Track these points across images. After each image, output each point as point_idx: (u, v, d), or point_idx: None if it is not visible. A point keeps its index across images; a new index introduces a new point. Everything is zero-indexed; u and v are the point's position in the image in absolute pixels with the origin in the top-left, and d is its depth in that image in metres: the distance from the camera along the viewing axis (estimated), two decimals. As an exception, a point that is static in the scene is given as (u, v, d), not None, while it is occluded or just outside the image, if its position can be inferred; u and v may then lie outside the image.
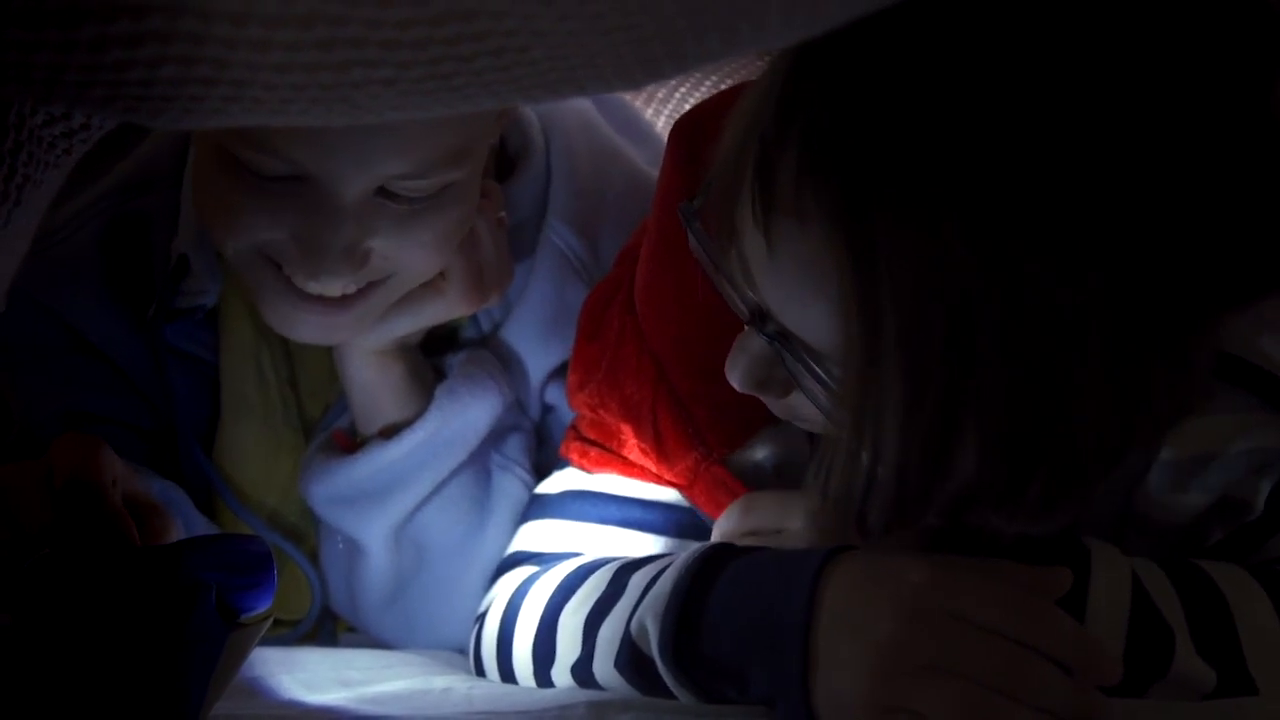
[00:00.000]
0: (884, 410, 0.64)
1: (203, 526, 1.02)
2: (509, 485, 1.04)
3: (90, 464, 0.70)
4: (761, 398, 0.77)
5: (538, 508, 1.00)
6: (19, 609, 0.65)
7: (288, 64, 0.47)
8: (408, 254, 0.92)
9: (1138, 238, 0.61)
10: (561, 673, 0.86)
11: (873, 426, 0.65)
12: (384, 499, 1.01)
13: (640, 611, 0.80)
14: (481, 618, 0.96)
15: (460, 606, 1.02)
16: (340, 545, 1.05)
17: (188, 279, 1.01)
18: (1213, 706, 0.71)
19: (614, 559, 0.88)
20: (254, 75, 0.48)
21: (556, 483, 0.99)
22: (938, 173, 0.60)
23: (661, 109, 1.15)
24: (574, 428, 0.98)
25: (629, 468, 0.94)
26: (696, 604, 0.77)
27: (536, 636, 0.88)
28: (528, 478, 1.04)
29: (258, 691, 0.86)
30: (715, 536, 0.87)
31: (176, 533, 0.75)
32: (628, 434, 0.93)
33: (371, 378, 1.01)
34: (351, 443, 1.03)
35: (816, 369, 0.69)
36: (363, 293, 0.93)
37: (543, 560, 0.96)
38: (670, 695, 0.79)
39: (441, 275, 0.97)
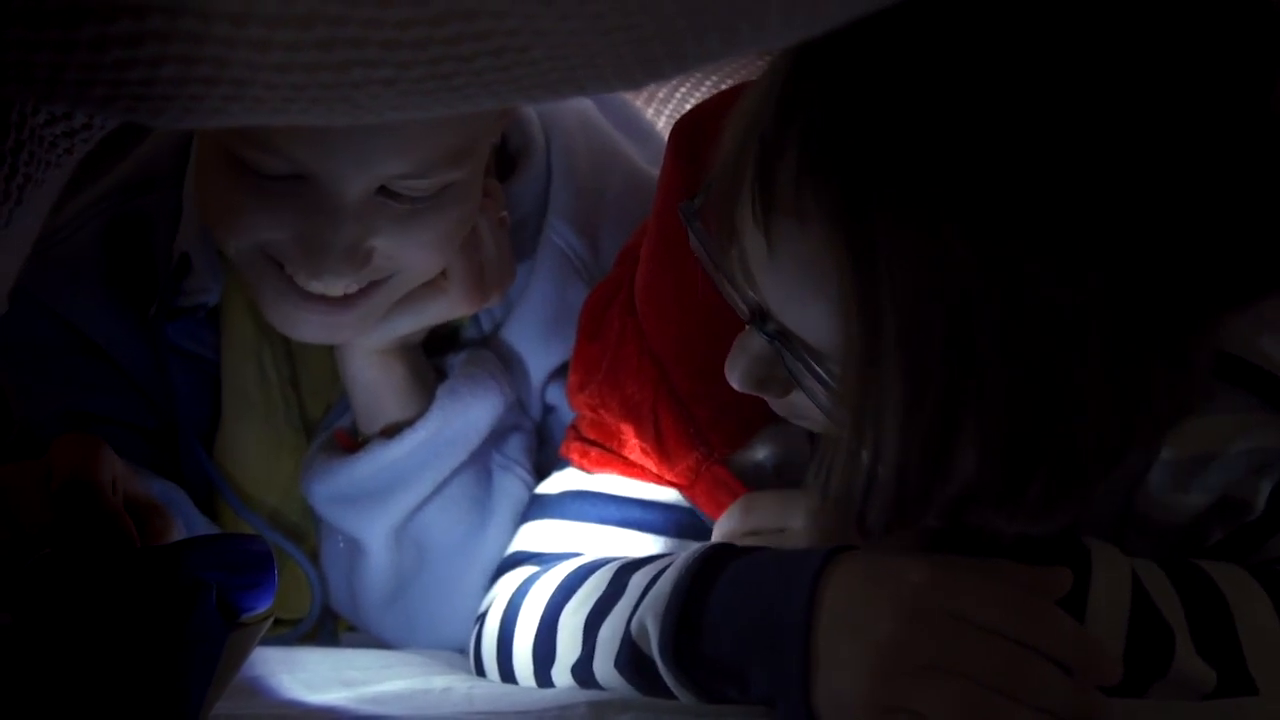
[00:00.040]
0: (884, 410, 0.64)
1: (203, 526, 1.02)
2: (510, 485, 1.04)
3: (89, 464, 0.70)
4: (762, 396, 0.77)
5: (538, 508, 1.00)
6: (20, 608, 0.65)
7: (288, 64, 0.47)
8: (409, 253, 0.92)
9: (1138, 238, 0.61)
10: (562, 673, 0.86)
11: (873, 426, 0.65)
12: (385, 498, 1.01)
13: (640, 611, 0.80)
14: (482, 618, 0.96)
15: (461, 606, 1.02)
16: (341, 545, 1.05)
17: (189, 278, 1.01)
18: (1213, 706, 0.71)
19: (614, 559, 0.89)
20: (254, 75, 0.48)
21: (557, 483, 0.99)
22: (938, 173, 0.60)
23: (662, 108, 1.15)
24: (574, 428, 0.98)
25: (629, 468, 0.94)
26: (697, 604, 0.77)
27: (537, 636, 0.88)
28: (528, 478, 1.04)
29: (258, 691, 0.86)
30: (716, 536, 0.87)
31: (177, 533, 0.75)
32: (628, 434, 0.93)
33: (373, 377, 1.01)
34: (353, 442, 1.03)
35: (816, 368, 0.69)
36: (364, 292, 0.93)
37: (543, 560, 0.96)
38: (670, 695, 0.79)
39: (443, 275, 0.97)
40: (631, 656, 0.80)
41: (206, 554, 0.68)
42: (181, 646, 0.66)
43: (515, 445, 1.05)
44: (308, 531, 1.07)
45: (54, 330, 1.03)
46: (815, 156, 0.63)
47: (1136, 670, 0.71)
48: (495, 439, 1.04)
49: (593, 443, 0.95)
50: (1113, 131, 0.60)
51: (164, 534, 0.73)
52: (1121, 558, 0.74)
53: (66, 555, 0.67)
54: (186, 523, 0.99)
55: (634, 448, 0.93)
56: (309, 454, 1.03)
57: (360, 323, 0.96)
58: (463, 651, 1.00)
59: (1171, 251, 0.62)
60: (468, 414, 1.01)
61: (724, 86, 1.05)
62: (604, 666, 0.82)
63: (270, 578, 0.69)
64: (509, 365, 1.05)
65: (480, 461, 1.03)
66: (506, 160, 1.07)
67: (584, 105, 1.11)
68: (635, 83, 0.53)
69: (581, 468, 0.96)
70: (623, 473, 0.94)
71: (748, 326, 0.74)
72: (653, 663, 0.78)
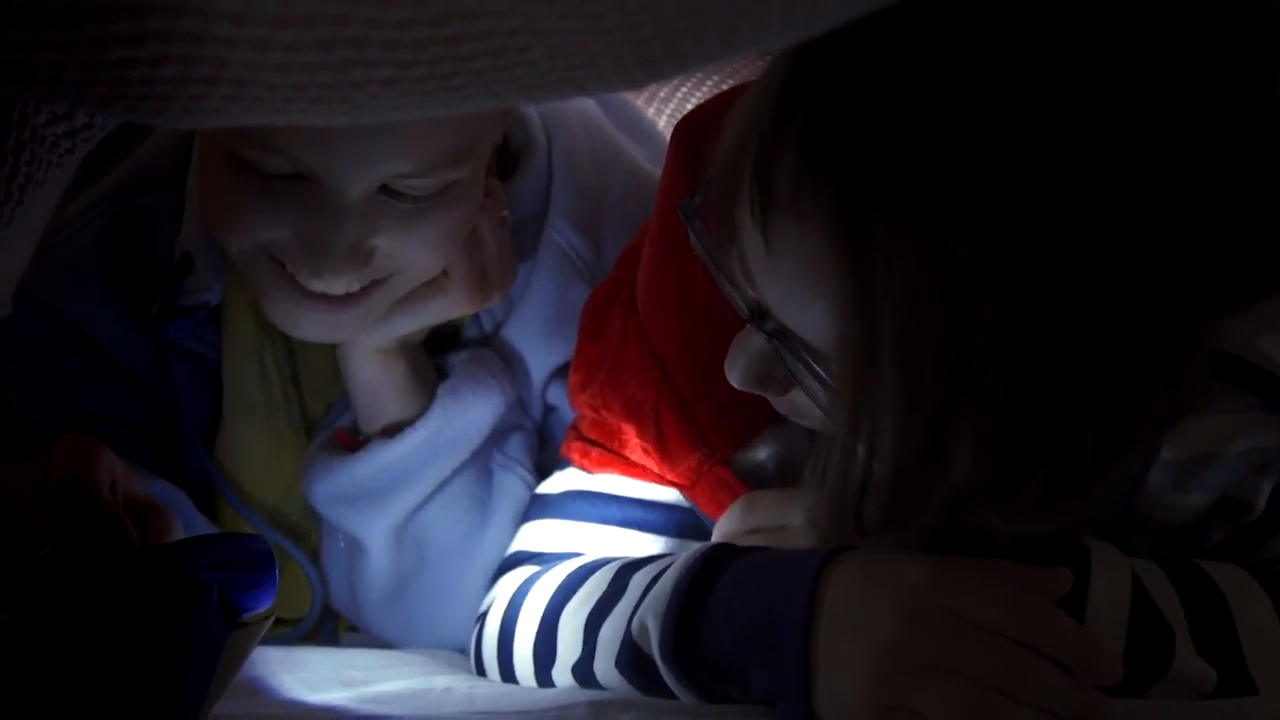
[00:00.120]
0: (881, 408, 0.64)
1: (203, 527, 1.02)
2: (510, 485, 1.04)
3: (87, 464, 0.70)
4: (761, 395, 0.77)
5: (539, 507, 1.00)
6: (20, 608, 0.65)
7: (288, 64, 0.47)
8: (411, 252, 0.92)
9: (1138, 238, 0.61)
10: (562, 672, 0.86)
11: (869, 424, 0.65)
12: (386, 498, 1.01)
13: (641, 611, 0.80)
14: (482, 617, 0.96)
15: (461, 606, 1.02)
16: (342, 544, 1.05)
17: (191, 276, 1.01)
18: (1213, 706, 0.71)
19: (615, 559, 0.89)
20: (255, 75, 0.48)
21: (558, 483, 0.99)
22: (937, 173, 0.60)
23: (663, 108, 1.15)
24: (575, 428, 0.98)
25: (630, 468, 0.94)
26: (697, 604, 0.77)
27: (537, 636, 0.88)
28: (529, 477, 1.04)
29: (259, 691, 0.86)
30: (717, 536, 0.87)
31: (177, 533, 0.75)
32: (630, 434, 0.93)
33: (374, 376, 1.01)
34: (354, 441, 1.03)
35: (815, 367, 0.69)
36: (366, 291, 0.93)
37: (544, 560, 0.96)
38: (671, 695, 0.79)
39: (444, 274, 0.97)
40: (632, 656, 0.80)
41: (207, 553, 0.68)
42: (182, 646, 0.66)
43: (516, 445, 1.05)
44: (308, 531, 1.07)
45: (55, 330, 1.03)
46: (814, 156, 0.63)
47: (1136, 670, 0.71)
48: (496, 438, 1.04)
49: (594, 443, 0.95)
50: (1112, 131, 0.60)
51: (164, 534, 0.73)
52: (1121, 558, 0.74)
53: (67, 555, 0.67)
54: (186, 523, 0.99)
55: (635, 448, 0.93)
56: (310, 453, 1.03)
57: (361, 321, 0.96)
58: (463, 651, 1.00)
59: (1171, 251, 0.62)
60: (469, 413, 1.01)
61: (725, 86, 1.05)
62: (605, 666, 0.82)
63: (271, 577, 0.69)
64: (510, 365, 1.05)
65: (481, 461, 1.03)
66: (508, 160, 1.07)
67: (586, 105, 1.11)
68: (635, 83, 0.53)
69: (582, 468, 0.96)
70: (624, 473, 0.94)
71: (747, 325, 0.74)
72: (653, 662, 0.78)
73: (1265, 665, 0.72)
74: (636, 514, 0.94)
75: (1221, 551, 0.79)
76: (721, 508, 0.88)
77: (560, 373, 1.05)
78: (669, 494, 0.93)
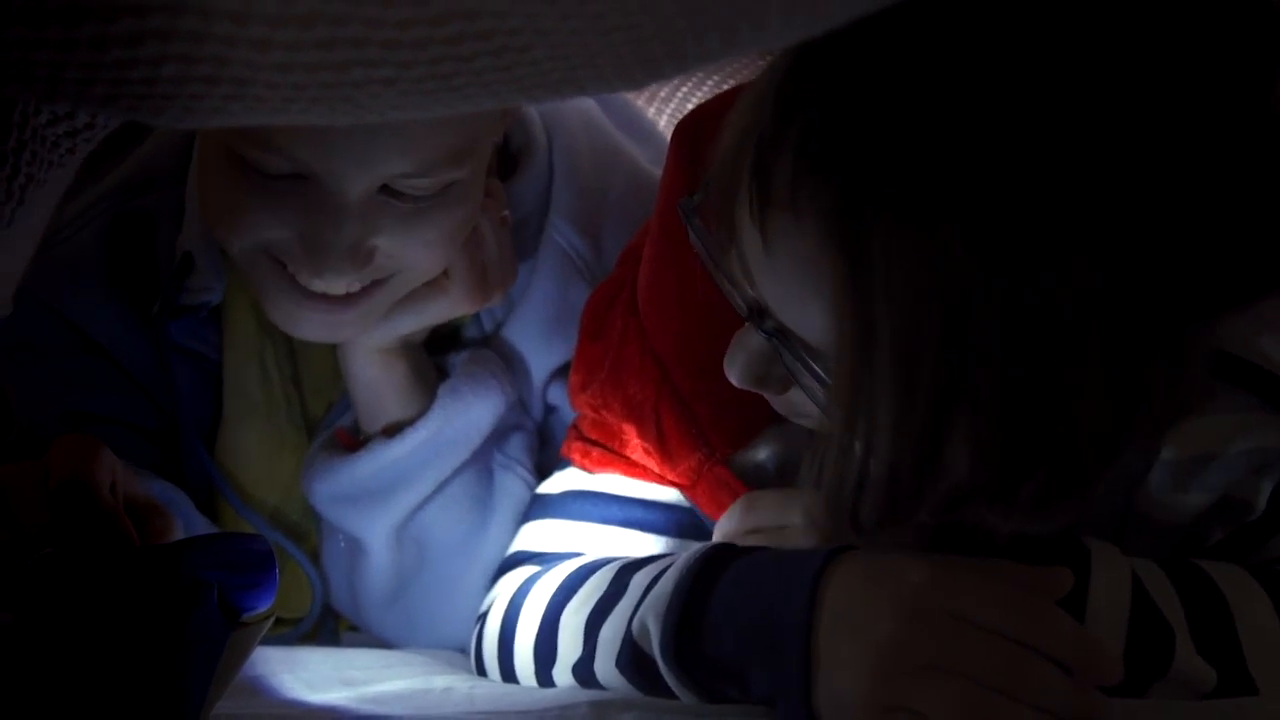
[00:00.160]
0: (877, 407, 0.64)
1: (203, 528, 1.02)
2: (511, 485, 1.04)
3: (87, 464, 0.70)
4: (760, 393, 0.77)
5: (539, 507, 1.00)
6: (21, 608, 0.65)
7: (289, 63, 0.47)
8: (412, 252, 0.92)
9: (1138, 238, 0.61)
10: (563, 672, 0.86)
11: (866, 424, 0.65)
12: (386, 497, 1.01)
13: (642, 611, 0.80)
14: (483, 617, 0.96)
15: (462, 605, 1.02)
16: (342, 544, 1.05)
17: (192, 276, 1.01)
18: (1213, 706, 0.71)
19: (615, 559, 0.89)
20: (255, 74, 0.48)
21: (558, 483, 0.99)
22: (936, 174, 0.60)
23: (664, 108, 1.15)
24: (576, 428, 0.98)
25: (631, 468, 0.94)
26: (698, 604, 0.77)
27: (538, 636, 0.88)
28: (530, 477, 1.04)
29: (259, 690, 0.86)
30: (717, 536, 0.87)
31: (178, 533, 0.75)
32: (630, 434, 0.93)
33: (375, 376, 1.01)
34: (354, 441, 1.03)
35: (813, 365, 0.70)
36: (366, 291, 0.94)
37: (544, 560, 0.96)
38: (672, 695, 0.79)
39: (445, 274, 0.97)
40: (633, 656, 0.80)
41: (207, 553, 0.68)
42: (182, 646, 0.66)
43: (517, 445, 1.05)
44: (309, 531, 1.07)
45: (55, 330, 1.03)
46: (813, 156, 0.63)
47: (1136, 670, 0.71)
48: (497, 438, 1.04)
49: (594, 443, 0.95)
50: (1112, 132, 0.60)
51: (165, 534, 0.73)
52: (1121, 558, 0.74)
53: (67, 555, 0.67)
54: (186, 523, 0.99)
55: (636, 448, 0.93)
56: (310, 453, 1.03)
57: (362, 321, 0.96)
58: (464, 651, 1.00)
59: (1171, 251, 0.62)
60: (469, 413, 1.01)
61: (725, 86, 1.05)
62: (605, 666, 0.82)
63: (271, 577, 0.69)
64: (510, 364, 1.05)
65: (482, 461, 1.03)
66: (508, 159, 1.07)
67: (586, 105, 1.11)
68: (636, 83, 0.53)
69: (583, 468, 0.96)
70: (624, 473, 0.94)
71: (746, 324, 0.74)
72: (654, 662, 0.78)
73: (1265, 665, 0.72)
74: (637, 514, 0.94)
75: (1221, 551, 0.79)
76: (722, 508, 0.88)
77: (561, 373, 1.05)
78: (669, 494, 0.93)
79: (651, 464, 0.92)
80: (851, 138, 0.62)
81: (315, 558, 1.07)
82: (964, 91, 0.60)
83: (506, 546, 1.02)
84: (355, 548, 1.04)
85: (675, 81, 1.10)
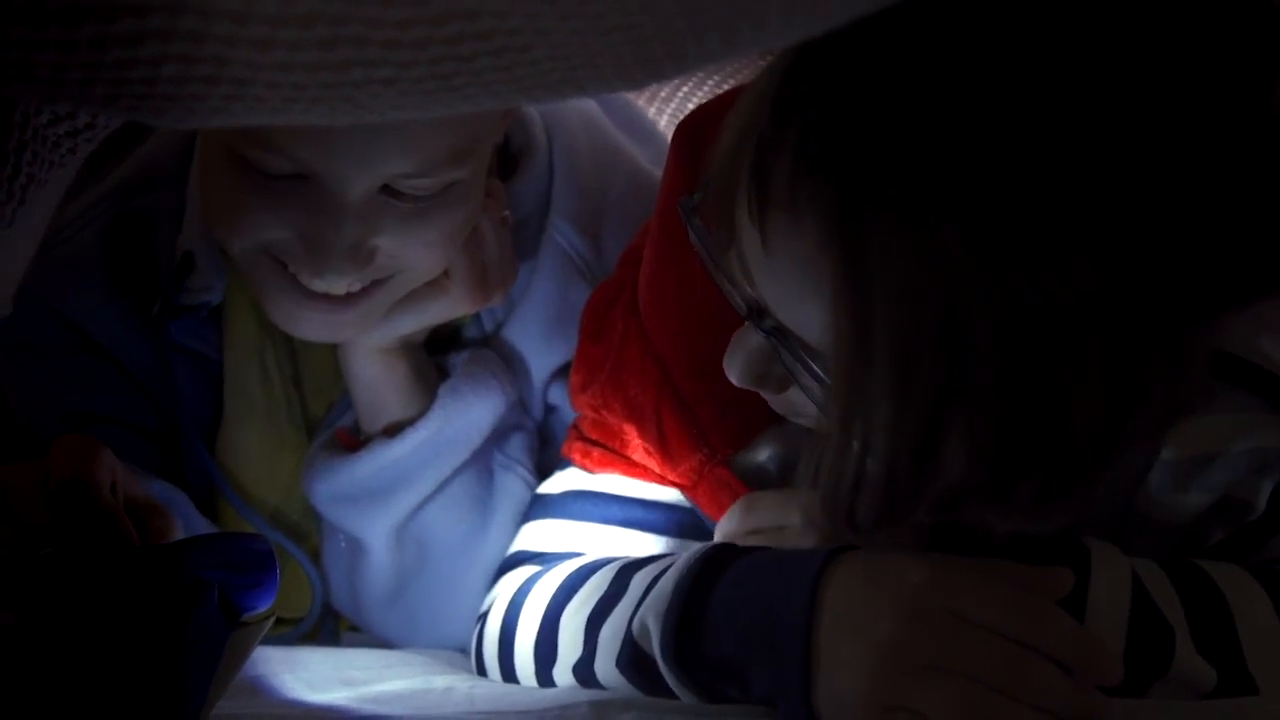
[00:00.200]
0: (874, 407, 0.64)
1: (204, 528, 1.02)
2: (511, 485, 1.04)
3: (87, 464, 0.70)
4: (759, 392, 0.77)
5: (540, 507, 1.00)
6: (21, 608, 0.65)
7: (289, 63, 0.47)
8: (412, 252, 0.92)
9: (1139, 238, 0.61)
10: (563, 672, 0.86)
11: (863, 423, 0.65)
12: (387, 497, 1.01)
13: (642, 611, 0.80)
14: (483, 617, 0.96)
15: (462, 605, 1.02)
16: (343, 544, 1.05)
17: (193, 276, 1.01)
18: (1213, 706, 0.71)
19: (616, 559, 0.89)
20: (256, 74, 0.48)
21: (559, 483, 0.99)
22: (935, 174, 0.60)
23: (664, 108, 1.15)
24: (576, 428, 0.98)
25: (632, 468, 0.94)
26: (698, 604, 0.77)
27: (538, 636, 0.88)
28: (530, 477, 1.04)
29: (260, 690, 0.86)
30: (718, 537, 0.87)
31: (178, 534, 0.75)
32: (631, 435, 0.93)
33: (375, 375, 1.01)
34: (355, 441, 1.03)
35: (811, 365, 0.70)
36: (367, 291, 0.94)
37: (545, 560, 0.96)
38: (672, 695, 0.79)
39: (445, 274, 0.97)
40: (633, 656, 0.80)
41: (208, 553, 0.68)
42: (182, 646, 0.67)
43: (517, 445, 1.05)
44: (309, 530, 1.07)
45: (56, 330, 1.03)
46: (812, 157, 0.63)
47: (1136, 670, 0.71)
48: (497, 438, 1.04)
49: (595, 443, 0.95)
50: (1111, 132, 0.60)
51: (165, 534, 0.73)
52: (1121, 558, 0.74)
53: (68, 555, 0.67)
54: (187, 524, 0.99)
55: (637, 448, 0.93)
56: (311, 453, 1.04)
57: (362, 321, 0.96)
58: (464, 651, 1.00)
59: (1172, 252, 0.62)
60: (469, 413, 1.01)
61: (726, 86, 1.05)
62: (605, 666, 0.82)
63: (272, 577, 0.69)
64: (511, 364, 1.05)
65: (482, 461, 1.03)
66: (509, 160, 1.07)
67: (586, 105, 1.11)
68: (636, 83, 0.53)
69: (584, 468, 0.96)
70: (625, 473, 0.94)
71: (746, 323, 0.74)
72: (654, 662, 0.78)
73: (1265, 665, 0.72)
74: (637, 514, 0.94)
75: (1222, 551, 0.79)
76: (723, 508, 0.88)
77: (561, 373, 1.05)
78: (670, 494, 0.93)
79: (652, 464, 0.92)
80: (850, 138, 0.62)
81: (316, 558, 1.07)
82: (963, 92, 0.60)
83: (507, 546, 1.02)
84: (356, 548, 1.04)
85: (675, 82, 1.10)
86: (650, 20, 0.48)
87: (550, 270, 1.05)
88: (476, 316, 1.06)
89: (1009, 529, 0.70)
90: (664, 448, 0.91)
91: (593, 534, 0.95)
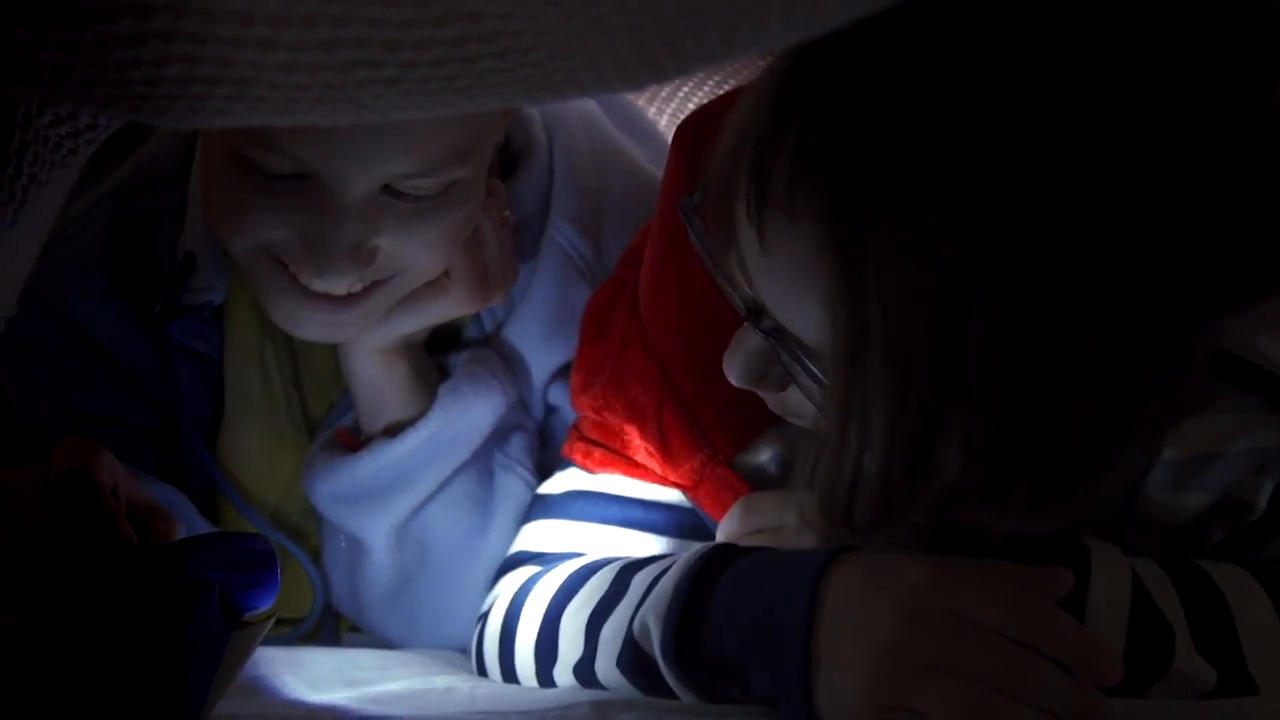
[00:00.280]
0: (871, 407, 0.64)
1: (204, 530, 1.02)
2: (512, 485, 1.04)
3: (88, 465, 0.70)
4: (758, 392, 0.78)
5: (540, 508, 1.00)
6: (22, 609, 0.66)
7: (291, 64, 0.47)
8: (413, 252, 0.92)
9: (1139, 239, 0.61)
10: (564, 672, 0.86)
11: (860, 423, 0.65)
12: (387, 497, 1.01)
13: (642, 611, 0.80)
14: (484, 617, 0.96)
15: (463, 605, 1.02)
16: (343, 544, 1.05)
17: (194, 276, 1.02)
18: (1213, 706, 0.71)
19: (616, 559, 0.89)
20: (258, 75, 0.48)
21: (559, 483, 0.99)
22: (935, 176, 0.60)
23: (664, 108, 1.15)
24: (577, 428, 0.98)
25: (633, 468, 0.94)
26: (699, 604, 0.77)
27: (539, 636, 0.88)
28: (530, 478, 1.04)
29: (261, 690, 0.86)
30: (719, 537, 0.87)
31: (180, 535, 0.75)
32: (633, 435, 0.93)
33: (376, 375, 1.01)
34: (355, 441, 1.03)
35: (809, 365, 0.70)
36: (368, 291, 0.94)
37: (545, 560, 0.96)
38: (672, 695, 0.79)
39: (446, 274, 0.97)
40: (633, 656, 0.80)
41: (209, 553, 0.68)
42: (183, 646, 0.67)
43: (517, 445, 1.05)
44: (310, 530, 1.07)
45: (57, 330, 1.03)
46: (810, 158, 0.64)
47: (1136, 670, 0.71)
48: (497, 438, 1.04)
49: (596, 443, 0.95)
50: (1111, 134, 0.60)
51: (167, 537, 0.74)
52: (1121, 558, 0.74)
53: (69, 555, 0.67)
54: (188, 526, 0.99)
55: (638, 449, 0.93)
56: (311, 452, 1.04)
57: (363, 321, 0.96)
58: (465, 651, 1.00)
59: (1172, 253, 0.62)
60: (470, 413, 1.01)
61: (726, 86, 1.05)
62: (606, 666, 0.83)
63: (273, 577, 0.69)
64: (511, 365, 1.05)
65: (482, 461, 1.03)
66: (509, 160, 1.07)
67: (587, 105, 1.11)
68: (637, 84, 0.53)
69: (585, 468, 0.96)
70: (626, 473, 0.94)
71: (745, 323, 0.75)
72: (655, 662, 0.78)
73: (1265, 665, 0.72)
74: (638, 514, 0.94)
75: (1222, 551, 0.79)
76: (725, 509, 0.88)
77: (561, 373, 1.05)
78: (670, 494, 0.93)
79: (654, 465, 0.92)
80: (849, 140, 0.62)
81: (316, 557, 1.07)
82: (963, 93, 0.60)
83: (507, 546, 1.02)
84: (356, 547, 1.04)
85: (675, 82, 1.10)
86: (651, 21, 0.48)
87: (550, 270, 1.05)
88: (477, 316, 1.06)
89: (1007, 529, 0.70)
90: (665, 448, 0.91)
91: (593, 534, 0.95)
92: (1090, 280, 0.61)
